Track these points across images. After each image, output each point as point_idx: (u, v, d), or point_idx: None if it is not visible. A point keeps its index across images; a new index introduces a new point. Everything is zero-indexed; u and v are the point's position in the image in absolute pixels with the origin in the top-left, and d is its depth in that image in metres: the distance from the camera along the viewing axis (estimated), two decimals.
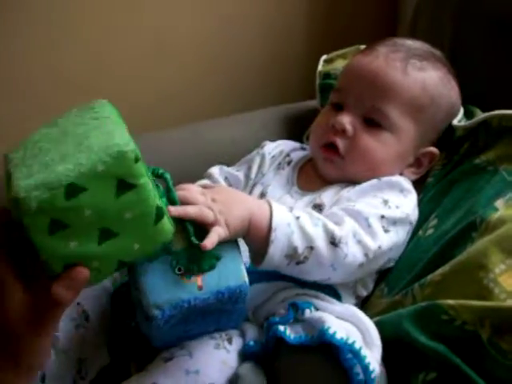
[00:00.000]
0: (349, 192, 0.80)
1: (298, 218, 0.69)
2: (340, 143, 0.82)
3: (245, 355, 0.68)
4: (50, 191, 0.51)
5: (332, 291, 0.75)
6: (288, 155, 0.93)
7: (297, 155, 0.93)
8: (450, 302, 0.64)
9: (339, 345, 0.62)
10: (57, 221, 0.53)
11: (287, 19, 1.42)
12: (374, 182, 0.81)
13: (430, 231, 0.80)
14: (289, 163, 0.91)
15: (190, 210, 0.63)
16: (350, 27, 1.42)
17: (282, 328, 0.66)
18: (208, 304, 0.62)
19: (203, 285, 0.62)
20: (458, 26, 1.00)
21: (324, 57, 1.11)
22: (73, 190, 0.52)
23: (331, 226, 0.71)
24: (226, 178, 0.93)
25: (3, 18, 1.15)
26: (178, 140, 1.05)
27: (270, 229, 0.67)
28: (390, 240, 0.76)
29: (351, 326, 0.66)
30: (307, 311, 0.68)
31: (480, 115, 0.88)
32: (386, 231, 0.75)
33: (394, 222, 0.77)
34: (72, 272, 0.54)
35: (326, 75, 1.05)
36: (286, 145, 0.96)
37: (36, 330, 0.55)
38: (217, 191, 0.69)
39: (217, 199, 0.66)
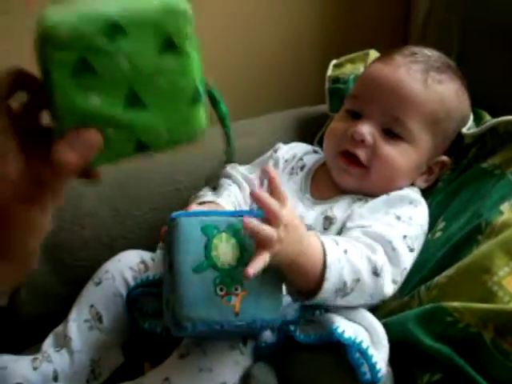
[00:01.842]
0: (360, 208, 0.80)
1: (345, 251, 0.69)
2: (361, 154, 0.82)
3: (257, 355, 0.70)
4: (87, 24, 0.45)
5: None
6: (301, 159, 0.93)
7: (310, 160, 0.93)
8: (455, 304, 0.66)
9: (347, 343, 0.63)
10: (85, 61, 0.46)
11: (299, 23, 1.42)
12: (384, 198, 0.81)
13: (438, 234, 0.81)
14: (302, 168, 0.91)
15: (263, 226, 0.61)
16: (362, 32, 1.42)
17: (292, 328, 0.68)
18: (239, 328, 0.63)
19: (240, 311, 0.62)
20: (466, 31, 1.00)
21: (334, 61, 1.12)
22: (114, 30, 0.46)
23: (373, 256, 0.71)
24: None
25: (13, 17, 1.16)
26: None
27: (324, 266, 0.66)
28: (413, 257, 0.77)
29: (359, 327, 0.67)
30: (317, 312, 0.70)
31: (488, 120, 0.89)
32: (411, 250, 0.76)
33: (416, 237, 0.78)
34: (81, 131, 0.47)
35: (335, 80, 1.06)
36: (299, 148, 0.96)
37: (31, 201, 0.47)
38: (291, 219, 0.64)
39: (287, 227, 0.63)
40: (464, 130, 0.88)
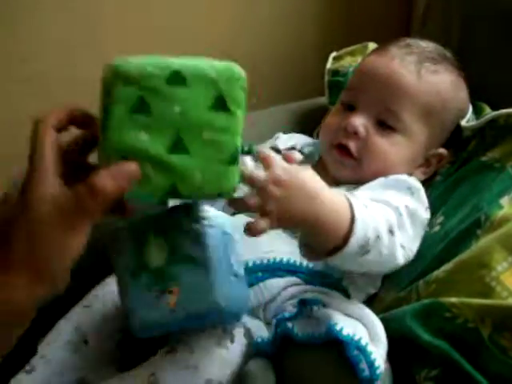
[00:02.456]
0: (358, 190, 0.80)
1: (366, 206, 0.68)
2: (352, 146, 0.82)
3: (253, 352, 0.69)
4: (154, 67, 0.51)
5: (341, 290, 0.76)
6: (300, 151, 0.93)
7: (310, 151, 0.93)
8: (453, 299, 0.65)
9: (346, 341, 0.63)
10: (144, 101, 0.51)
11: (300, 16, 1.41)
12: (381, 180, 0.81)
13: (437, 228, 0.81)
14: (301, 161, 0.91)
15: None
16: (363, 24, 1.41)
17: (290, 325, 0.67)
18: (190, 323, 0.63)
19: (176, 308, 0.61)
20: (467, 21, 1.00)
21: (333, 54, 1.11)
22: (176, 77, 0.52)
23: (387, 214, 0.70)
24: None
25: (18, 17, 1.16)
26: None
27: (352, 221, 0.64)
28: (413, 233, 0.75)
29: (358, 323, 0.67)
30: (315, 308, 0.69)
31: (488, 112, 0.89)
32: (411, 222, 0.75)
33: (415, 212, 0.77)
34: (121, 163, 0.51)
35: (335, 72, 1.06)
36: (298, 138, 0.96)
37: (64, 225, 0.50)
38: (294, 175, 0.61)
39: (284, 185, 0.60)
40: (463, 123, 0.88)
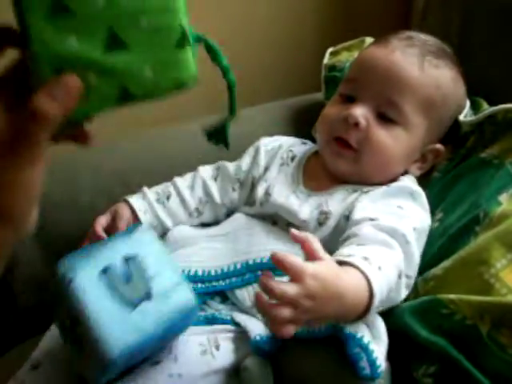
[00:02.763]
0: (360, 202, 0.78)
1: (380, 268, 0.64)
2: (352, 137, 0.81)
3: (253, 350, 0.69)
4: None
5: None
6: (290, 150, 0.91)
7: (299, 150, 0.91)
8: (451, 296, 0.65)
9: (348, 338, 0.63)
10: (60, 1, 0.44)
11: (297, 13, 1.41)
12: (383, 189, 0.80)
13: (436, 224, 0.80)
14: (292, 159, 0.89)
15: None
16: (362, 19, 1.41)
17: None
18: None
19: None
20: (467, 16, 0.99)
21: (330, 49, 1.11)
22: None
23: (397, 261, 0.68)
24: (216, 176, 0.91)
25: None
26: (185, 134, 1.05)
27: (371, 297, 0.62)
28: (420, 251, 0.75)
29: (359, 321, 0.66)
30: None
31: (486, 108, 0.88)
32: (418, 243, 0.75)
33: (423, 230, 0.76)
34: (60, 78, 0.44)
35: (332, 68, 1.05)
36: (283, 139, 0.94)
37: (11, 157, 0.45)
38: (322, 282, 0.58)
39: (316, 296, 0.57)
40: (461, 118, 0.87)
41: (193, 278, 0.74)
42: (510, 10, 0.93)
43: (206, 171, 0.91)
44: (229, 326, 0.72)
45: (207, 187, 0.89)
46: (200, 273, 0.75)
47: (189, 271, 0.75)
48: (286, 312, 0.55)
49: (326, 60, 1.08)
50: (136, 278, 0.62)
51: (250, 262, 0.74)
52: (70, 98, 0.45)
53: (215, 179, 0.90)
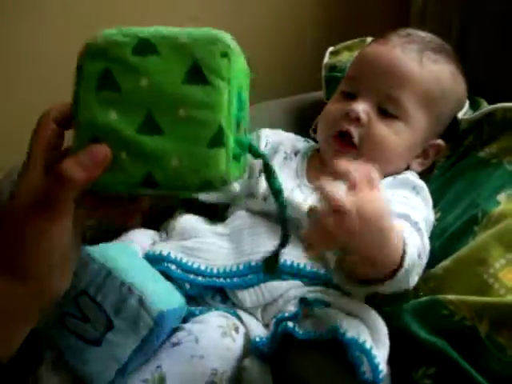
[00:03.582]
0: None
1: (407, 237, 0.64)
2: (354, 132, 0.80)
3: (250, 350, 0.69)
4: (123, 36, 0.47)
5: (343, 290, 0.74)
6: (294, 145, 0.91)
7: (303, 146, 0.91)
8: (450, 296, 0.65)
9: (350, 343, 0.62)
10: (111, 75, 0.47)
11: (297, 12, 1.40)
12: (389, 179, 0.80)
13: (434, 224, 0.80)
14: (296, 153, 0.89)
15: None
16: (361, 20, 1.41)
17: (290, 324, 0.66)
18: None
19: None
20: (466, 17, 0.99)
21: (330, 49, 1.10)
22: (145, 46, 0.46)
23: (415, 237, 0.68)
24: None
25: (16, 17, 1.16)
26: None
27: (403, 256, 0.62)
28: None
29: (361, 324, 0.66)
30: (317, 307, 0.68)
31: (485, 107, 0.88)
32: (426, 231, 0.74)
33: (428, 225, 0.76)
34: (91, 147, 0.47)
35: (332, 67, 1.05)
36: (285, 135, 0.94)
37: (36, 217, 0.48)
38: (370, 207, 0.56)
39: (362, 217, 0.54)
40: (460, 115, 0.87)
41: (195, 271, 0.74)
42: (510, 12, 0.93)
43: None
44: (231, 316, 0.72)
45: None
46: (202, 267, 0.74)
47: (192, 263, 0.75)
48: (331, 222, 0.53)
49: (326, 59, 1.07)
50: (92, 314, 0.63)
51: (253, 264, 0.73)
52: (96, 166, 0.47)
53: None
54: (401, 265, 0.62)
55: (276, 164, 0.87)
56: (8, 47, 1.14)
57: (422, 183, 0.81)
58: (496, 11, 0.95)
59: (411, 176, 0.82)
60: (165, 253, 0.75)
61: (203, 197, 0.87)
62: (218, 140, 0.46)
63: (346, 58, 1.04)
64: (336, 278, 0.67)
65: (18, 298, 0.49)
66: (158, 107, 0.46)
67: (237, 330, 0.69)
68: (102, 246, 0.69)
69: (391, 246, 0.61)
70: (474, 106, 0.91)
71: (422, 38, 0.87)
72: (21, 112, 1.08)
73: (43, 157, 0.50)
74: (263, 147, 0.89)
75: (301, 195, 0.80)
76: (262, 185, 0.83)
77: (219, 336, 0.67)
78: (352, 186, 0.56)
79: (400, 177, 0.81)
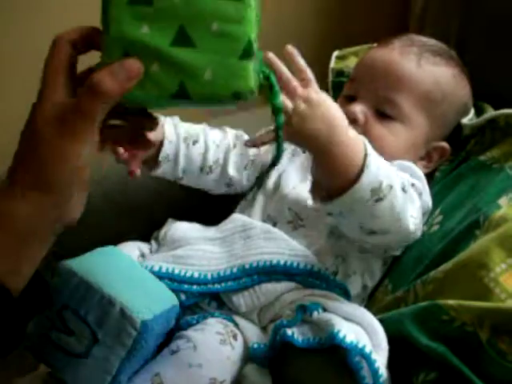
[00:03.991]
0: None
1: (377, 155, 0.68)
2: None
3: (249, 357, 0.69)
4: None
5: (341, 289, 0.75)
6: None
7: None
8: (451, 302, 0.64)
9: (349, 348, 0.62)
10: None
11: (297, 15, 1.41)
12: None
13: (435, 228, 0.80)
14: (304, 151, 0.89)
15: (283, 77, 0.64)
16: (361, 24, 1.41)
17: (289, 332, 0.66)
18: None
19: None
20: (466, 21, 0.99)
21: (336, 53, 1.10)
22: None
23: (399, 174, 0.71)
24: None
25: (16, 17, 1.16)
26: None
27: (366, 153, 0.65)
28: (419, 211, 0.75)
29: (360, 329, 0.66)
30: (315, 313, 0.68)
31: (489, 112, 0.88)
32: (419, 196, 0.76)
33: (420, 193, 0.77)
34: (123, 60, 0.47)
35: (340, 73, 1.04)
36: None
37: (63, 130, 0.48)
38: (323, 99, 0.65)
39: (312, 104, 0.64)
40: (464, 121, 0.87)
41: (188, 280, 0.74)
42: (509, 17, 0.92)
43: (232, 135, 0.91)
44: (228, 322, 0.72)
45: (229, 153, 0.89)
46: (196, 275, 0.74)
47: (185, 273, 0.74)
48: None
49: (332, 64, 1.07)
50: (76, 327, 0.63)
51: (247, 266, 0.73)
52: (129, 78, 0.47)
53: (234, 146, 0.90)
54: (363, 166, 0.64)
55: (284, 160, 0.88)
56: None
57: (420, 173, 0.81)
58: (495, 17, 0.95)
59: (413, 164, 0.82)
60: (156, 268, 0.75)
61: (208, 181, 0.88)
62: (247, 53, 0.49)
63: (354, 63, 1.03)
64: (312, 194, 0.69)
65: (43, 211, 0.50)
66: (190, 21, 0.48)
67: (235, 337, 0.69)
68: (83, 257, 0.68)
69: (344, 143, 0.64)
70: (478, 111, 0.91)
71: (423, 42, 0.87)
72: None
73: (62, 80, 0.50)
74: None
75: (306, 190, 0.79)
76: (270, 181, 0.85)
77: (218, 343, 0.67)
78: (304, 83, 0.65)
79: (397, 162, 0.80)
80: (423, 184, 0.80)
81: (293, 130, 0.62)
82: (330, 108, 0.65)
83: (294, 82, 0.65)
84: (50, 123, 0.48)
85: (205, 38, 0.48)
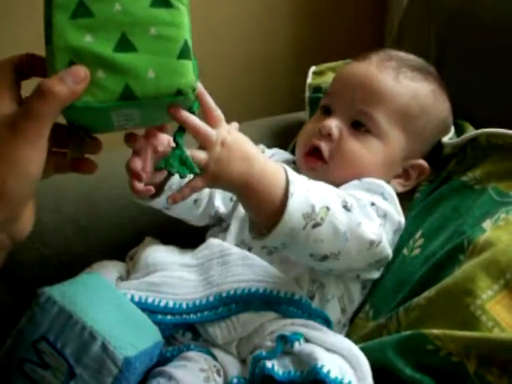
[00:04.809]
0: None
1: (309, 180, 0.67)
2: (324, 147, 0.81)
3: None
4: None
5: (322, 318, 0.72)
6: (275, 159, 0.90)
7: (283, 159, 0.90)
8: (435, 331, 0.62)
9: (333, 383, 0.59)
10: (84, 4, 0.52)
11: (273, 31, 1.41)
12: (354, 182, 0.79)
13: (417, 251, 0.78)
14: None
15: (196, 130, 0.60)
16: (337, 40, 1.41)
17: (269, 364, 0.63)
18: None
19: None
20: (443, 40, 0.98)
21: (313, 68, 1.09)
22: None
23: (340, 192, 0.69)
24: None
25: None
26: None
27: (287, 181, 0.63)
28: (382, 231, 0.73)
29: (343, 361, 0.63)
30: (296, 344, 0.65)
31: (469, 131, 0.87)
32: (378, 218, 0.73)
33: (384, 214, 0.75)
34: (72, 67, 0.51)
35: (317, 89, 1.03)
36: (279, 155, 0.94)
37: (15, 136, 0.49)
38: (236, 137, 0.63)
39: (227, 146, 0.61)
40: (445, 140, 0.85)
41: (163, 309, 0.70)
42: (486, 34, 0.92)
43: None
44: (208, 356, 0.69)
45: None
46: (171, 305, 0.71)
47: (159, 302, 0.71)
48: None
49: (309, 80, 1.06)
50: (52, 360, 0.60)
51: (224, 294, 0.70)
52: (76, 82, 0.50)
53: None
54: (287, 193, 0.62)
55: None
56: None
57: (392, 192, 0.80)
58: (473, 35, 0.94)
59: (381, 181, 0.80)
60: (128, 296, 0.71)
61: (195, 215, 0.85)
62: (184, 53, 0.53)
63: (331, 79, 1.02)
64: (251, 234, 0.67)
65: None
66: (130, 28, 0.52)
67: (219, 372, 0.67)
68: (63, 284, 0.64)
69: (263, 176, 0.63)
70: (458, 129, 0.90)
71: (401, 57, 0.87)
72: None
73: (9, 93, 0.52)
74: None
75: None
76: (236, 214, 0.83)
77: (202, 382, 0.64)
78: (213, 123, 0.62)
79: (367, 179, 0.79)
80: (394, 203, 0.78)
81: (213, 175, 0.61)
82: (245, 144, 0.63)
83: (204, 127, 0.61)
84: (2, 133, 0.49)
85: (144, 41, 0.53)
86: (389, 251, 0.76)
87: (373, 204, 0.74)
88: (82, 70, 0.51)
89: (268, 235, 0.64)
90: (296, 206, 0.63)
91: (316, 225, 0.64)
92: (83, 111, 0.53)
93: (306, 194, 0.64)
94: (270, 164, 0.64)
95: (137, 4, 0.52)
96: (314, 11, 1.43)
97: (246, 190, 0.63)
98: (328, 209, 0.65)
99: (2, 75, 0.52)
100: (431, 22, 1.00)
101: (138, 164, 0.65)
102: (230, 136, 0.62)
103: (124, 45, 0.52)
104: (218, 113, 0.63)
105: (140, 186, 0.67)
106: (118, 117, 0.55)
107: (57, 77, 0.50)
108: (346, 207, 0.68)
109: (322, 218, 0.65)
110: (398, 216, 0.78)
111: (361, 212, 0.70)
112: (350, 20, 1.44)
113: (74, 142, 0.58)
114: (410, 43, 1.05)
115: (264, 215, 0.64)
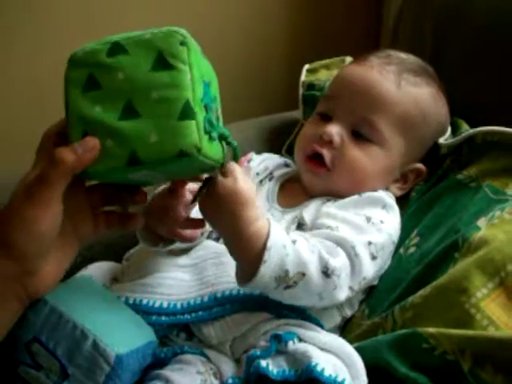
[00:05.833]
0: (328, 207, 0.77)
1: (294, 241, 0.66)
2: (326, 154, 0.79)
3: None
4: (97, 45, 0.56)
5: (315, 320, 0.71)
6: (271, 173, 0.90)
7: (279, 172, 0.90)
8: (431, 330, 0.62)
9: (328, 383, 0.59)
10: (93, 78, 0.55)
11: (269, 29, 1.40)
12: (355, 197, 0.78)
13: (412, 249, 0.78)
14: (270, 179, 0.88)
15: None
16: (332, 37, 1.41)
17: (263, 363, 0.63)
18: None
19: None
20: (439, 36, 0.98)
21: (307, 66, 1.08)
22: (116, 48, 0.55)
23: (326, 255, 0.67)
24: None
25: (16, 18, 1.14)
26: None
27: (264, 248, 0.63)
28: (375, 267, 0.73)
29: (337, 360, 0.63)
30: (290, 343, 0.65)
31: (465, 129, 0.87)
32: (374, 258, 0.72)
33: (382, 247, 0.74)
34: (84, 139, 0.55)
35: (310, 86, 1.03)
36: (271, 160, 0.93)
37: (28, 198, 0.55)
38: (229, 192, 0.64)
39: (220, 198, 0.63)
40: (441, 140, 0.85)
41: (157, 310, 0.70)
42: (482, 31, 0.92)
43: None
44: (203, 358, 0.68)
45: None
46: (165, 305, 0.70)
47: (154, 303, 0.70)
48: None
49: (303, 77, 1.05)
50: (45, 362, 0.60)
51: (218, 295, 0.70)
52: (88, 154, 0.55)
53: None
54: (261, 259, 0.63)
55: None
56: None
57: (393, 203, 0.79)
58: (469, 31, 0.94)
59: (382, 193, 0.80)
60: (122, 299, 0.70)
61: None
62: (186, 113, 0.54)
63: (325, 76, 1.02)
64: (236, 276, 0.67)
65: (9, 275, 0.56)
66: (134, 94, 0.55)
67: (216, 375, 0.66)
68: (56, 286, 0.63)
69: (248, 234, 0.64)
70: (453, 127, 0.89)
71: (401, 59, 0.85)
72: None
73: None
74: (252, 176, 0.89)
75: (272, 218, 0.76)
76: None
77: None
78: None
79: (367, 194, 0.79)
80: (395, 213, 0.78)
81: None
82: (240, 199, 0.64)
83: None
84: (19, 194, 0.56)
85: (147, 106, 0.54)
86: (372, 283, 0.76)
87: (370, 243, 0.72)
88: (91, 142, 0.55)
89: (245, 284, 0.65)
90: (267, 271, 0.63)
91: (288, 287, 0.65)
92: (98, 176, 0.57)
93: (284, 258, 0.64)
94: (254, 226, 0.64)
95: (138, 70, 0.55)
96: (310, 10, 1.43)
97: (228, 240, 0.66)
98: (303, 274, 0.65)
99: (47, 141, 0.59)
100: (427, 18, 1.00)
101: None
102: (228, 192, 0.63)
103: (128, 112, 0.54)
104: (233, 167, 0.64)
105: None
106: (135, 177, 0.58)
107: (68, 147, 0.55)
108: (325, 273, 0.66)
109: (295, 282, 0.65)
110: (396, 233, 0.77)
111: (350, 267, 0.69)
112: (347, 19, 1.43)
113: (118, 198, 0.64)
114: (406, 41, 1.05)
115: (240, 265, 0.66)
